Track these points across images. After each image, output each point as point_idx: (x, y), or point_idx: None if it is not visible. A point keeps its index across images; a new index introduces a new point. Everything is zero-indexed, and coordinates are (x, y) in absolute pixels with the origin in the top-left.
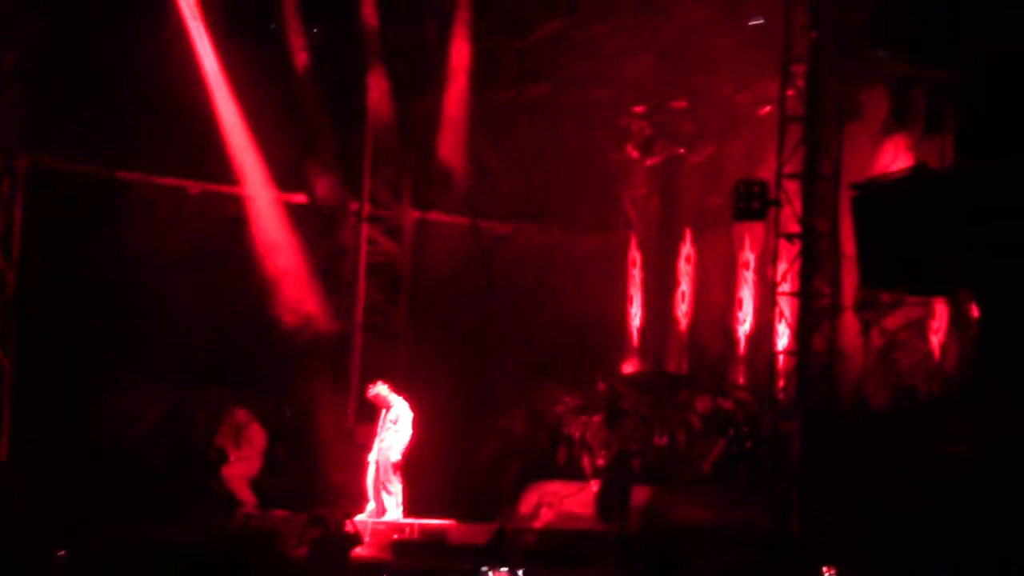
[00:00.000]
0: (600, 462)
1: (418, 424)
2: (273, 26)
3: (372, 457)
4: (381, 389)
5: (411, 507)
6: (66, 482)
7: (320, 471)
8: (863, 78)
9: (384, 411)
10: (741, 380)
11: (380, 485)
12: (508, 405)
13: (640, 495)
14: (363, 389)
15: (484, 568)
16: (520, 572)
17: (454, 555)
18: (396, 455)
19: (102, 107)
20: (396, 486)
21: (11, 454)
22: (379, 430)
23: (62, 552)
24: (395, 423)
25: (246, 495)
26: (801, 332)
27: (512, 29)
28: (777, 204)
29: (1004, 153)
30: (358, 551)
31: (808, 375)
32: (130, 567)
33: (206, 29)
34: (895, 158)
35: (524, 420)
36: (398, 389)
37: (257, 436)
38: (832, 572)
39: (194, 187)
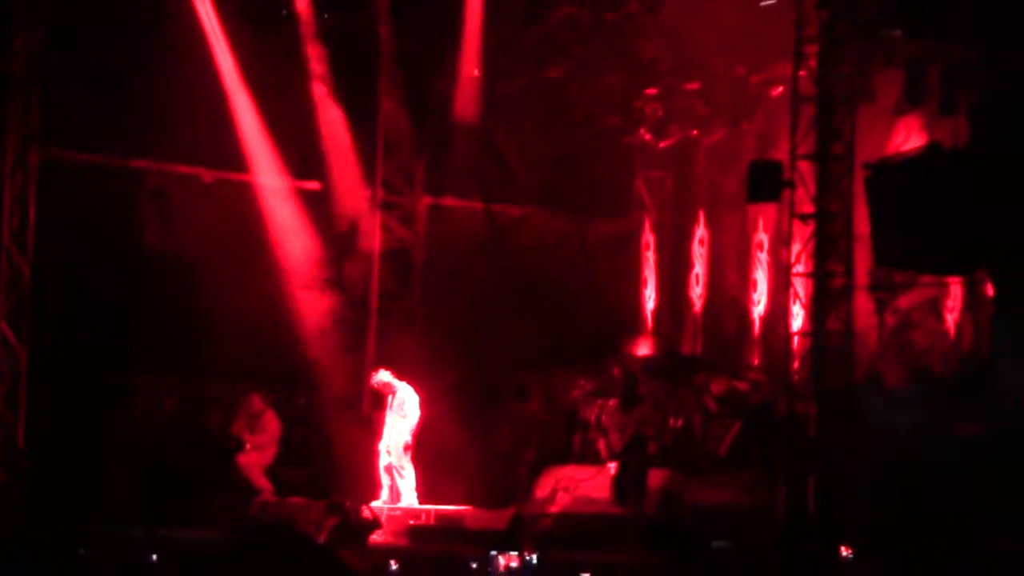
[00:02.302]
0: (616, 446)
1: (428, 407)
2: (285, 12)
3: (383, 444)
4: (383, 376)
5: (427, 494)
6: (81, 473)
7: (336, 458)
8: (876, 58)
9: (390, 397)
10: (756, 362)
11: (393, 470)
12: (522, 389)
13: (656, 478)
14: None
15: (493, 552)
16: (535, 556)
17: (471, 540)
18: (406, 437)
19: (114, 96)
20: (409, 470)
21: (27, 445)
22: (387, 416)
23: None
24: (401, 407)
25: (262, 483)
26: (816, 313)
27: (525, 13)
28: (791, 185)
29: (1018, 132)
30: (375, 537)
31: (823, 356)
32: (147, 558)
33: (218, 16)
34: (908, 138)
35: (538, 404)
36: (401, 374)
37: (272, 423)
38: (850, 552)
39: (208, 175)
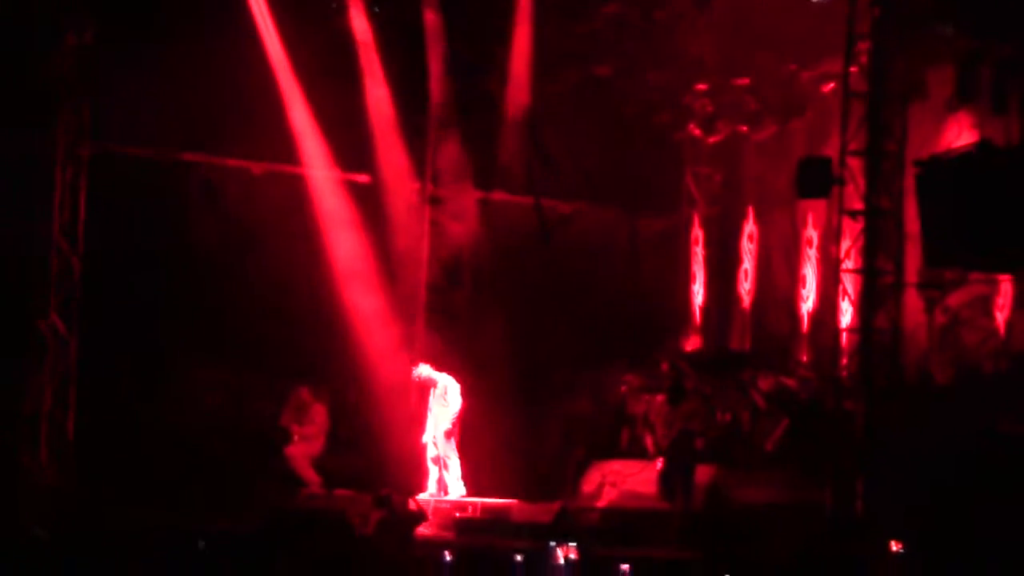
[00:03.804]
0: (663, 441)
1: (476, 401)
2: (335, 5)
3: (428, 436)
4: (424, 370)
5: (474, 488)
6: (129, 464)
7: (383, 451)
8: (928, 55)
9: (432, 390)
10: (804, 358)
11: (439, 462)
12: (570, 385)
13: (703, 474)
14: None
15: (552, 543)
16: (583, 551)
17: (517, 533)
18: (448, 424)
19: (165, 90)
20: (454, 459)
21: (76, 438)
22: (430, 408)
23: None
24: (444, 397)
25: (310, 475)
26: (864, 310)
27: (574, 11)
28: (841, 182)
29: None
30: (421, 529)
31: (872, 353)
32: (193, 549)
33: (268, 9)
34: (959, 135)
35: (586, 400)
36: (442, 365)
37: (320, 416)
38: (900, 547)
39: (257, 168)
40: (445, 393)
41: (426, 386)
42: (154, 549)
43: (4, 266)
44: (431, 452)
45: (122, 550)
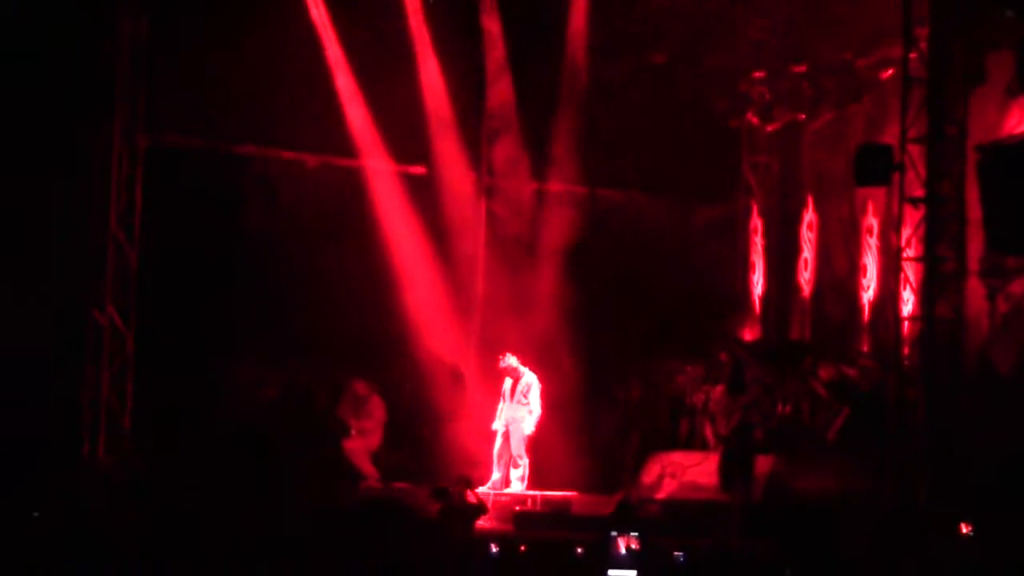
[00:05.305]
0: (723, 432)
1: (543, 397)
2: None
3: (499, 427)
4: (512, 360)
5: (533, 480)
6: (187, 455)
7: (440, 444)
8: (988, 39)
9: (512, 382)
10: (865, 347)
11: (508, 457)
12: (627, 376)
13: (763, 465)
14: (483, 363)
15: (613, 533)
16: (644, 540)
17: (577, 526)
18: (529, 428)
19: (220, 81)
20: (525, 461)
21: (133, 430)
22: (504, 399)
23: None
24: (525, 395)
25: (368, 468)
26: (926, 298)
27: None
28: (901, 168)
29: None
30: (480, 522)
31: (933, 342)
32: (249, 545)
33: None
34: (1021, 121)
35: (640, 391)
36: (526, 361)
37: (377, 409)
38: (970, 529)
39: (312, 160)
40: (527, 392)
41: (509, 376)
42: (206, 542)
43: (62, 258)
44: (497, 443)
45: (179, 542)
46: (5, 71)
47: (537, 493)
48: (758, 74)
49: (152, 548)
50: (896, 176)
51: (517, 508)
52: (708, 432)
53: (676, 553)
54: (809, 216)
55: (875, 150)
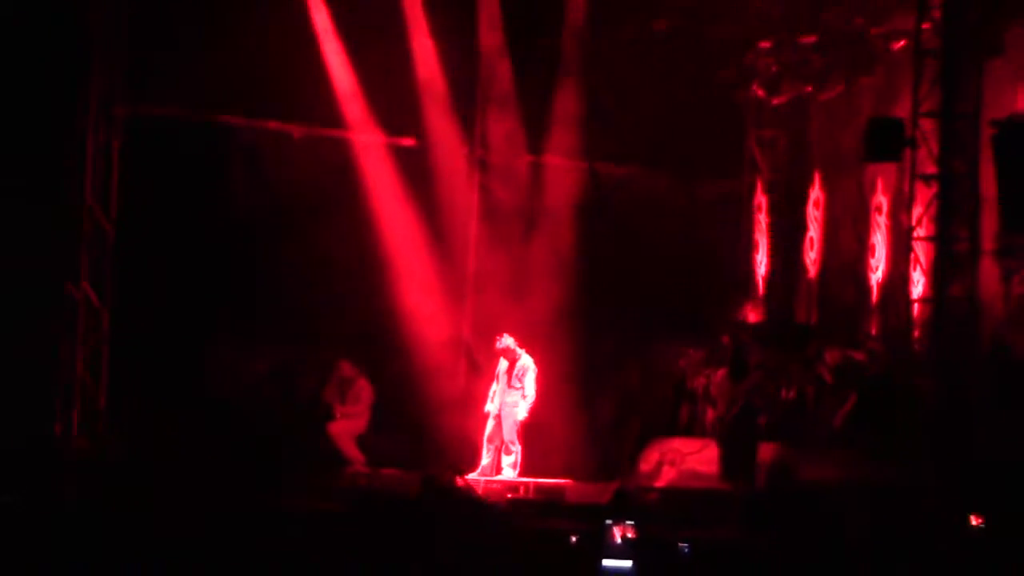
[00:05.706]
0: (724, 418)
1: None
2: None
3: (492, 411)
4: (509, 341)
5: (526, 466)
6: (164, 435)
7: (430, 429)
8: (1005, 11)
9: (508, 364)
10: (874, 331)
11: (500, 443)
12: (624, 357)
13: (766, 452)
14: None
15: (608, 522)
16: (640, 530)
17: (572, 514)
18: (522, 413)
19: (202, 49)
20: (517, 447)
21: (108, 409)
22: (499, 382)
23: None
24: (520, 378)
25: (354, 453)
26: (938, 279)
27: None
28: (913, 144)
29: None
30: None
31: (945, 325)
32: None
33: None
34: None
35: (641, 373)
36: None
37: (364, 392)
38: (980, 521)
39: (298, 131)
40: (522, 375)
41: (505, 357)
42: (187, 522)
43: (36, 232)
44: (489, 427)
45: (151, 523)
46: None
47: (530, 480)
48: (764, 44)
49: (132, 535)
50: (907, 152)
51: (509, 495)
52: (709, 418)
53: (681, 545)
54: (816, 194)
55: (886, 124)
